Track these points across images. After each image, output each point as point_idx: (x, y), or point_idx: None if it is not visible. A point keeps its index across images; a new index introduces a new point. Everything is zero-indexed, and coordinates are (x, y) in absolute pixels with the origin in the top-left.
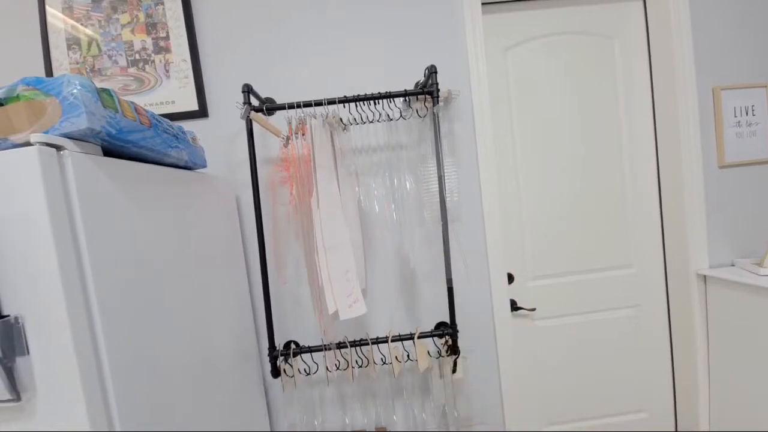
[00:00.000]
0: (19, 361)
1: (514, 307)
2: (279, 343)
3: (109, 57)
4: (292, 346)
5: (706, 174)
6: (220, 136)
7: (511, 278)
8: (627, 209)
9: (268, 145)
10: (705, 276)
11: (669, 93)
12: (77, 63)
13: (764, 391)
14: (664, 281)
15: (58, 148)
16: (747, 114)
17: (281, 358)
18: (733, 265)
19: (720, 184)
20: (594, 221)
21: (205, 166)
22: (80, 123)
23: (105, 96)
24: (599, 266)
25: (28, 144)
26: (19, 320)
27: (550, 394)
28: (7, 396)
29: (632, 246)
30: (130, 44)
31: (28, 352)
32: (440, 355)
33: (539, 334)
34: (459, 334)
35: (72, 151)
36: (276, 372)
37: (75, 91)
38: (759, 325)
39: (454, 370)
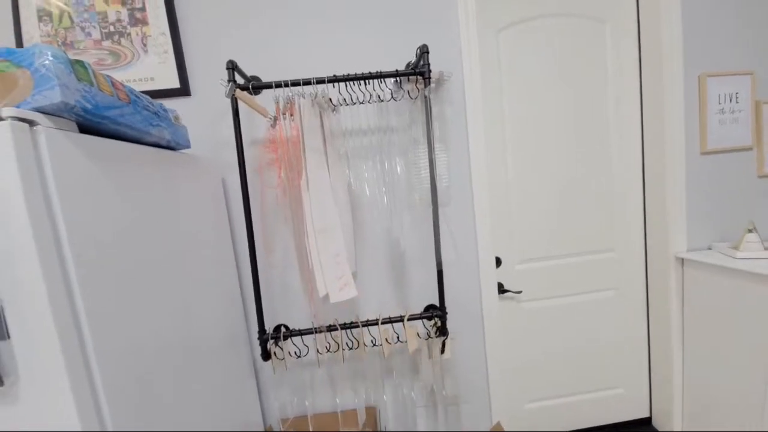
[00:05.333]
0: (0, 346)
1: (502, 289)
2: (269, 327)
3: (82, 29)
4: (282, 329)
5: (689, 159)
6: (203, 115)
7: (498, 262)
8: (612, 194)
9: (254, 126)
10: (683, 259)
11: (656, 79)
12: (48, 35)
13: (735, 370)
14: (644, 265)
15: (31, 123)
16: (731, 101)
17: (271, 341)
18: (710, 249)
19: (701, 169)
20: (580, 206)
21: (188, 147)
22: (53, 96)
23: (79, 68)
24: (583, 250)
25: None
26: None
27: (534, 373)
28: None
29: (616, 230)
30: (104, 15)
31: (9, 336)
32: (429, 336)
33: (525, 316)
34: (448, 316)
35: (46, 126)
36: (266, 355)
37: (47, 62)
38: (733, 306)
39: (442, 351)
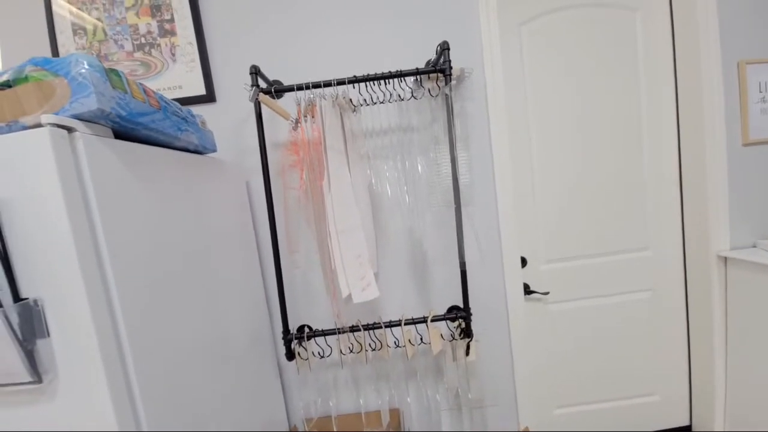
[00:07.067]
0: (40, 344)
1: (528, 290)
2: (292, 327)
3: (115, 41)
4: (306, 329)
5: (730, 152)
6: (228, 120)
7: (524, 262)
8: (645, 190)
9: (277, 129)
10: (726, 258)
11: (692, 68)
12: (83, 48)
13: None
14: (681, 264)
15: (69, 129)
16: None
17: (295, 341)
18: (754, 247)
19: (743, 162)
20: (610, 203)
21: (215, 151)
22: (90, 104)
23: (114, 76)
24: (614, 249)
25: (38, 125)
26: (38, 303)
27: (563, 377)
28: (28, 378)
29: (650, 228)
30: (135, 28)
31: (49, 335)
32: (453, 338)
33: (552, 318)
34: (472, 318)
35: (83, 132)
36: (290, 355)
37: (83, 70)
38: None
39: (467, 353)
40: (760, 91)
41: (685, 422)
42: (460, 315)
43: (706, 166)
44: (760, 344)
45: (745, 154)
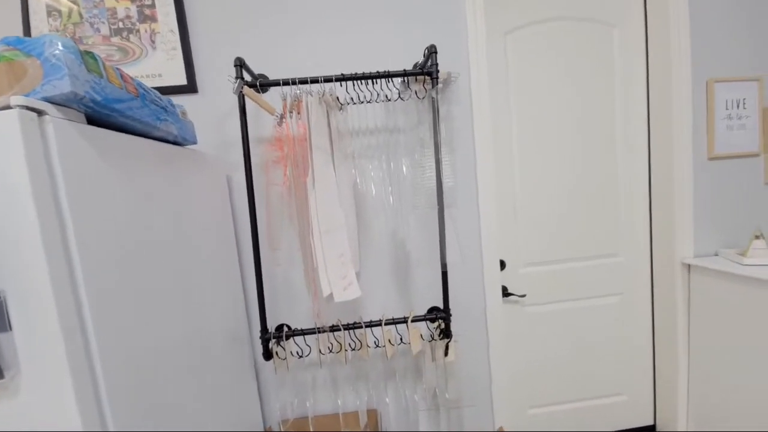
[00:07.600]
0: (2, 338)
1: (506, 293)
2: (271, 326)
3: (91, 25)
4: (285, 328)
5: (696, 165)
6: (210, 113)
7: (503, 265)
8: (618, 199)
9: (261, 124)
10: (689, 265)
11: (664, 83)
12: (57, 30)
13: (741, 377)
14: (649, 270)
15: (40, 112)
16: (738, 107)
17: (273, 340)
18: (716, 255)
19: (708, 175)
20: (585, 210)
21: (195, 143)
22: (63, 86)
23: (89, 59)
24: (588, 254)
25: (7, 107)
26: (0, 295)
27: (537, 378)
28: None
29: (621, 235)
30: (113, 11)
31: (11, 328)
32: (433, 338)
33: (528, 320)
34: (451, 319)
35: (54, 116)
36: (268, 354)
37: (57, 52)
38: (740, 313)
39: (446, 354)
40: (727, 108)
41: (649, 422)
42: (439, 316)
43: (674, 178)
44: (719, 347)
45: (711, 168)
